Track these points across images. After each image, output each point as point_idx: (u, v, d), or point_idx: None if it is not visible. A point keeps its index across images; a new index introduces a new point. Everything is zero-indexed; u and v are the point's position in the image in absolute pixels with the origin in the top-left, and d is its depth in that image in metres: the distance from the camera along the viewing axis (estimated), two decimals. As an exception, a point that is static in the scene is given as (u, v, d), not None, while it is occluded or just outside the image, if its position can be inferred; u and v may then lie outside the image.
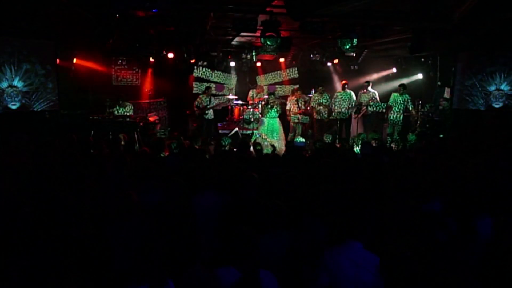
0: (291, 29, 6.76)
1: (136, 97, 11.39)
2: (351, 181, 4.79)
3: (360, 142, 7.13)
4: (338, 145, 7.86)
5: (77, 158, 6.08)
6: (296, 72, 13.26)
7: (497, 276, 3.23)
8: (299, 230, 3.71)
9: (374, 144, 7.71)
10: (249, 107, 11.94)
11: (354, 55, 11.27)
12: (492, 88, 8.92)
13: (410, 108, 9.99)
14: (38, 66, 8.58)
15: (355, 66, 12.20)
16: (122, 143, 7.34)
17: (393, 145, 7.68)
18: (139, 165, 5.28)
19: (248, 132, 11.53)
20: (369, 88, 10.67)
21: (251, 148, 7.18)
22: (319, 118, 10.45)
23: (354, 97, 10.53)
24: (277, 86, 13.51)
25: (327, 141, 8.10)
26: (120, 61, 11.56)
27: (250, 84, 12.73)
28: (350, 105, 10.33)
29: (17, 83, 8.32)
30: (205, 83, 12.82)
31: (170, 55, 10.21)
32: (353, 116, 10.51)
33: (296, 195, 4.28)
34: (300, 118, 9.96)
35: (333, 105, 10.35)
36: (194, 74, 12.92)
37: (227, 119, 12.58)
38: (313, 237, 3.69)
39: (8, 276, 2.84)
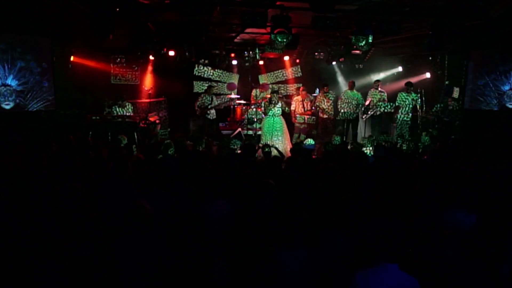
0: (300, 26, 6.40)
1: (136, 96, 11.04)
2: (370, 188, 4.46)
3: (371, 144, 6.79)
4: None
5: (75, 161, 5.75)
6: (300, 71, 12.94)
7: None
8: (319, 245, 3.37)
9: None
10: (252, 106, 11.62)
11: (361, 53, 11.10)
12: (506, 87, 8.62)
13: (418, 107, 9.69)
14: (33, 63, 8.19)
15: (360, 65, 11.89)
16: (123, 144, 6.97)
17: (404, 147, 7.36)
18: (141, 170, 4.94)
19: (251, 132, 11.22)
20: (379, 87, 10.32)
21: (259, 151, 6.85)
22: (325, 117, 10.11)
23: (361, 97, 10.20)
24: (280, 85, 13.18)
25: (335, 143, 7.77)
26: (119, 59, 11.18)
27: (253, 83, 12.38)
28: (357, 105, 10.00)
29: (11, 81, 7.93)
30: (206, 82, 12.51)
31: (171, 53, 9.86)
32: (362, 117, 10.17)
33: (313, 205, 3.94)
34: (306, 119, 9.61)
35: (340, 105, 10.01)
36: (194, 72, 12.60)
37: (228, 119, 12.23)
38: (335, 254, 3.36)
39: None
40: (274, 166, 5.37)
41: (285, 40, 5.85)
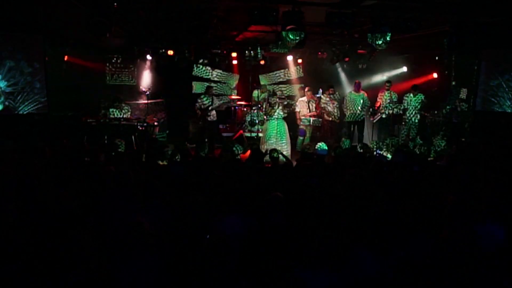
0: (309, 23, 5.99)
1: (133, 97, 10.58)
2: (394, 199, 4.09)
3: (385, 147, 6.42)
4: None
5: (70, 167, 5.33)
6: (301, 71, 12.56)
7: None
8: (347, 267, 2.98)
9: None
10: (254, 108, 11.23)
11: (366, 52, 10.74)
12: (521, 88, 8.29)
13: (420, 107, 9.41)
14: (24, 63, 7.73)
15: (364, 65, 11.54)
16: (120, 149, 6.55)
17: (416, 150, 7.00)
18: (143, 178, 4.53)
19: (253, 134, 10.82)
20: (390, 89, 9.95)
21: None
22: (331, 119, 9.74)
23: (367, 98, 9.84)
24: (281, 85, 12.80)
25: (344, 146, 7.40)
26: (114, 58, 10.73)
27: (255, 84, 12.00)
28: (364, 107, 9.64)
29: (0, 82, 7.45)
30: (205, 83, 12.10)
31: (170, 52, 9.45)
32: (371, 119, 9.80)
33: (336, 219, 3.56)
34: (311, 120, 9.22)
35: (346, 106, 9.64)
36: (193, 73, 12.19)
37: (228, 121, 11.83)
38: (364, 276, 2.97)
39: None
40: (285, 174, 4.99)
41: (297, 38, 5.46)
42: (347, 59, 10.58)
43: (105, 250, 3.03)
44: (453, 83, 10.54)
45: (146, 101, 10.52)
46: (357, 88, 9.69)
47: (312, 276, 2.81)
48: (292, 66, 12.12)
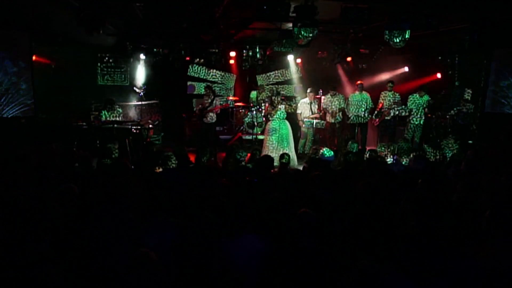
0: (323, 19, 5.52)
1: (125, 98, 10.08)
2: (424, 213, 3.68)
3: (402, 153, 6.01)
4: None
5: (59, 176, 4.82)
6: (299, 71, 12.17)
7: None
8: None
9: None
10: (252, 109, 10.80)
11: (368, 52, 10.39)
12: (534, 89, 7.99)
13: (426, 109, 9.09)
14: (8, 62, 7.23)
15: (363, 65, 11.20)
16: (114, 154, 6.04)
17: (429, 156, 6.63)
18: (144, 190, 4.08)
19: (251, 137, 10.40)
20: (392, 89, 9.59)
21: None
22: (333, 122, 9.33)
23: (370, 99, 9.46)
24: (279, 86, 12.39)
25: (350, 149, 7.00)
26: (106, 57, 10.20)
27: (253, 84, 11.58)
28: (367, 108, 9.26)
29: (-18, 83, 6.95)
30: (202, 83, 11.67)
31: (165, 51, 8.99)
32: (374, 121, 9.43)
33: (363, 240, 3.13)
34: (314, 123, 8.80)
35: (349, 108, 9.24)
36: (188, 73, 11.73)
37: (226, 123, 11.38)
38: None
39: None
40: (297, 183, 4.56)
41: (311, 34, 5.04)
42: (349, 59, 10.23)
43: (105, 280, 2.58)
44: (456, 83, 10.26)
45: (139, 102, 10.02)
46: (360, 89, 9.31)
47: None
48: (293, 66, 11.71)
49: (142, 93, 9.51)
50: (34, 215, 3.38)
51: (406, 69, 11.56)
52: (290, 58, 10.95)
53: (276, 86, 12.29)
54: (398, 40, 5.03)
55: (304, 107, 9.18)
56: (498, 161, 6.15)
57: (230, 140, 10.22)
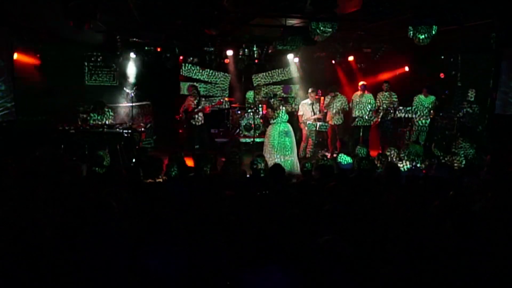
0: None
1: (115, 100, 9.48)
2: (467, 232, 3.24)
3: (416, 157, 5.59)
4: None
5: (43, 189, 4.26)
6: (296, 70, 11.72)
7: None
8: None
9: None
10: (249, 110, 10.32)
11: (370, 51, 10.00)
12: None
13: (433, 111, 8.75)
14: (-15, 60, 6.57)
15: (362, 64, 10.82)
16: (105, 162, 5.47)
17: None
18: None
19: (248, 140, 9.92)
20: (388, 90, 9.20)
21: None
22: (334, 123, 8.88)
23: (374, 100, 9.07)
24: (274, 86, 11.93)
25: (359, 153, 6.56)
26: (94, 56, 9.58)
27: (251, 85, 11.10)
28: (371, 110, 8.84)
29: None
30: (193, 83, 11.13)
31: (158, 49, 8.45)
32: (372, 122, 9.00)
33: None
34: (318, 125, 8.33)
35: (353, 110, 8.81)
36: (181, 72, 11.19)
37: (222, 125, 10.86)
38: None
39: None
40: (309, 199, 4.08)
41: (330, 29, 4.57)
42: (351, 58, 9.84)
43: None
44: (459, 83, 9.96)
45: (130, 104, 9.42)
46: (363, 89, 8.90)
47: None
48: (293, 65, 11.26)
49: (132, 94, 8.91)
50: (15, 236, 2.88)
51: (406, 68, 11.26)
52: (290, 57, 10.46)
53: (272, 86, 11.86)
54: (424, 37, 4.59)
55: (306, 108, 8.72)
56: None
57: (227, 143, 9.73)
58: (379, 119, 8.94)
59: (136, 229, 3.20)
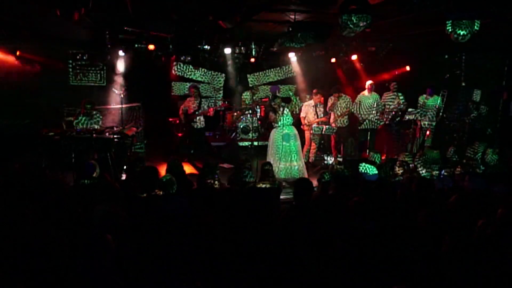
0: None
1: (102, 101, 8.80)
2: None
3: (435, 163, 5.13)
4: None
5: (25, 205, 3.63)
6: (292, 70, 11.23)
7: None
8: None
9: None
10: (246, 113, 9.77)
11: (374, 50, 9.56)
12: None
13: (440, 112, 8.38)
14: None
15: (361, 64, 10.40)
16: (96, 173, 4.85)
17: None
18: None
19: (246, 143, 9.39)
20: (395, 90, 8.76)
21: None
22: (339, 126, 8.38)
23: (381, 102, 8.63)
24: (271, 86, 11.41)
25: (372, 159, 6.08)
26: (79, 54, 8.88)
27: (249, 85, 10.56)
28: (378, 111, 8.37)
29: None
30: (186, 83, 10.55)
31: (151, 46, 7.81)
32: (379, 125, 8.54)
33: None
34: (324, 129, 7.80)
35: (360, 112, 8.32)
36: (173, 71, 10.58)
37: (217, 128, 10.28)
38: None
39: None
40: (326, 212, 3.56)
41: (364, 23, 4.05)
42: (355, 57, 9.37)
43: None
44: (463, 84, 9.63)
45: (119, 106, 8.75)
46: (371, 89, 8.43)
47: None
48: (292, 64, 10.74)
49: (121, 95, 8.23)
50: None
51: (407, 68, 10.88)
52: (291, 55, 9.94)
53: (268, 86, 11.36)
54: (464, 33, 4.08)
55: (308, 110, 8.19)
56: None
57: (225, 147, 9.17)
58: (387, 121, 8.50)
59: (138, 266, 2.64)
